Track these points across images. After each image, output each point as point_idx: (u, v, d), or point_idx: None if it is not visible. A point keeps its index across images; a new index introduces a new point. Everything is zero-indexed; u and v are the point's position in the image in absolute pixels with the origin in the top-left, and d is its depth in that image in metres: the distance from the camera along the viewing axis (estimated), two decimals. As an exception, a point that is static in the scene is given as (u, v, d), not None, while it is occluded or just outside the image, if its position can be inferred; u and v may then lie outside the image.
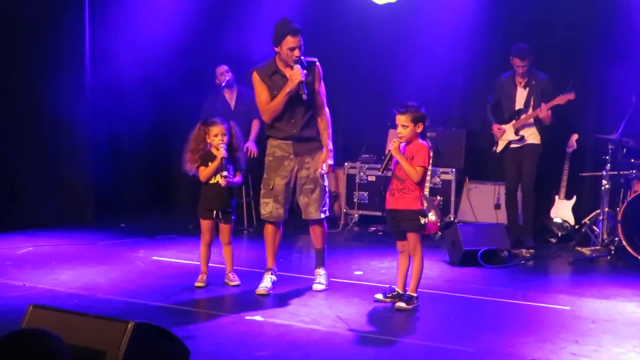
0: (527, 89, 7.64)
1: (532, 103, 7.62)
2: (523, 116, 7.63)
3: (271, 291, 5.66)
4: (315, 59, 5.70)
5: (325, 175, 5.72)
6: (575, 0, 8.29)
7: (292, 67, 5.51)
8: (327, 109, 5.75)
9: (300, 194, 5.72)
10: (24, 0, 8.06)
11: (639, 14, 7.86)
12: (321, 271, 5.87)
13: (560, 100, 7.44)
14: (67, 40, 8.30)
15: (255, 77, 5.65)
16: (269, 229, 5.78)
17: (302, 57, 5.56)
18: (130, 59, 8.87)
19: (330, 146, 5.67)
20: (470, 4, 8.66)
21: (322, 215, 5.74)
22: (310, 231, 5.86)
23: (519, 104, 7.69)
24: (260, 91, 5.65)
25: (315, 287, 5.77)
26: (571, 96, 7.42)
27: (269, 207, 5.69)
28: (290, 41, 5.46)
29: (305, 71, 5.51)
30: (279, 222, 5.76)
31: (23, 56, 8.06)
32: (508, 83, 7.74)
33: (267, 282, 5.70)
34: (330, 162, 5.65)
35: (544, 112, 7.46)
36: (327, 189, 5.78)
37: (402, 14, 8.85)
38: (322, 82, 5.74)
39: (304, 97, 5.49)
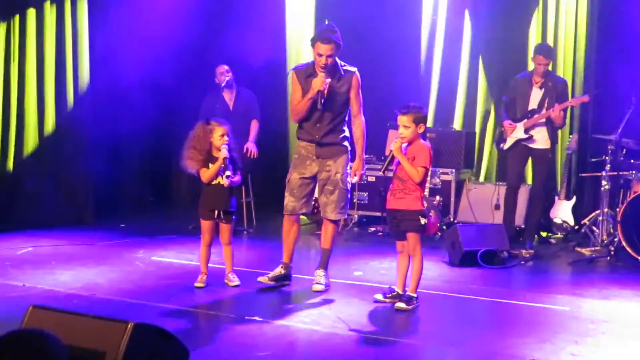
0: (543, 90, 7.62)
1: (546, 104, 7.59)
2: (536, 116, 7.61)
3: (273, 283, 5.76)
4: (354, 69, 5.85)
5: (352, 181, 5.87)
6: (575, 1, 8.29)
7: (324, 72, 5.67)
8: (362, 118, 5.88)
9: (320, 193, 5.90)
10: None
11: (638, 14, 7.86)
12: (321, 272, 5.87)
13: (574, 102, 7.46)
14: (67, 40, 8.30)
15: (293, 77, 5.87)
16: (284, 222, 5.93)
17: (341, 65, 5.75)
18: (130, 59, 8.85)
19: (363, 156, 5.88)
20: (470, 4, 8.67)
21: (337, 217, 5.89)
22: (322, 230, 5.98)
23: (533, 104, 7.67)
24: (294, 91, 5.85)
25: (315, 287, 5.77)
26: (585, 99, 7.43)
27: (285, 200, 5.90)
28: (319, 47, 5.63)
29: (328, 80, 5.63)
30: (294, 215, 5.89)
31: (23, 56, 8.06)
32: (524, 82, 7.73)
33: (274, 272, 5.81)
34: (362, 171, 5.88)
35: (556, 112, 7.45)
36: (348, 193, 5.91)
37: (402, 14, 8.86)
38: (359, 91, 5.86)
39: (319, 106, 5.64)
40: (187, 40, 9.22)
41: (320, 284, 5.78)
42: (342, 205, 5.85)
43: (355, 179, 5.87)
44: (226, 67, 8.27)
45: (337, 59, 5.77)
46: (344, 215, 5.97)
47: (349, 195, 5.98)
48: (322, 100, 5.62)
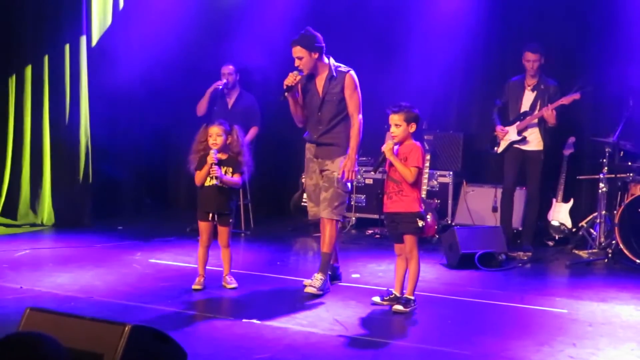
0: (535, 92, 7.64)
1: (538, 107, 7.61)
2: (528, 117, 7.62)
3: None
4: (347, 70, 5.84)
5: (343, 179, 5.76)
6: (573, 3, 8.30)
7: (314, 73, 5.80)
8: (358, 117, 5.82)
9: (320, 191, 5.89)
10: (21, 3, 8.07)
11: (636, 15, 7.87)
12: (319, 276, 5.76)
13: (565, 100, 7.46)
14: (66, 40, 8.30)
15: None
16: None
17: (333, 66, 5.80)
18: (130, 60, 8.83)
19: (353, 154, 5.74)
20: (468, 7, 8.68)
21: (331, 216, 5.79)
22: (321, 231, 5.93)
23: (525, 106, 7.68)
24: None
25: (306, 289, 5.69)
26: (576, 96, 7.44)
27: (307, 206, 6.07)
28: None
29: (298, 78, 5.66)
30: (318, 219, 5.96)
31: (22, 56, 8.06)
32: (516, 86, 7.75)
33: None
34: (353, 169, 5.71)
35: (548, 111, 7.45)
36: (345, 194, 5.83)
37: (400, 16, 8.86)
38: (354, 91, 5.82)
39: (281, 99, 5.76)
40: (188, 40, 9.21)
41: (314, 287, 5.68)
42: (335, 205, 5.76)
43: (347, 177, 5.70)
44: (230, 68, 8.24)
45: (332, 60, 5.83)
46: (338, 216, 5.84)
47: (348, 198, 5.94)
48: (289, 93, 5.68)
